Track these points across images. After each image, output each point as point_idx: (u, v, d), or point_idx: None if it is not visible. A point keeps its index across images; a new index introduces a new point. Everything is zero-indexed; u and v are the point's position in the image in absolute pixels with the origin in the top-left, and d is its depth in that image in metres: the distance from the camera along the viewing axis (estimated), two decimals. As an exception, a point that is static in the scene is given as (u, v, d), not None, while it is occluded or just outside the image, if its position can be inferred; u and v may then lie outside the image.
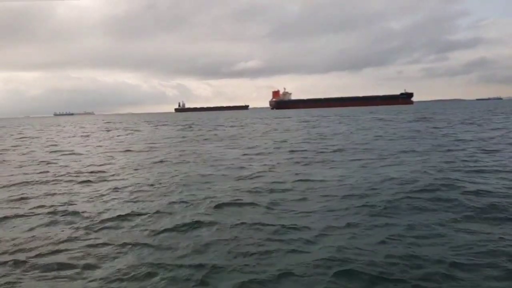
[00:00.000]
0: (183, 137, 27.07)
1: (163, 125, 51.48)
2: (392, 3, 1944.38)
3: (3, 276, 4.79)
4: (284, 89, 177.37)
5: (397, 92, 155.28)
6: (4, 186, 10.30)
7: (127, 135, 32.40)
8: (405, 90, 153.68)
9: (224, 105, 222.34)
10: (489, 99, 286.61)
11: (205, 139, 23.96)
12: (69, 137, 32.38)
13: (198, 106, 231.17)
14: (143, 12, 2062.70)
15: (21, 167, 14.05)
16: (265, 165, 12.42)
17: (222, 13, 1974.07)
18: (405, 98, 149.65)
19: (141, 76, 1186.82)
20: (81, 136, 32.92)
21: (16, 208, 7.94)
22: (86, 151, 19.35)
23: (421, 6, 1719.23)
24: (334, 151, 15.59)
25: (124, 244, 5.63)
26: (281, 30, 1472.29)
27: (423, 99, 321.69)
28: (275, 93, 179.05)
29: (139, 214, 7.09)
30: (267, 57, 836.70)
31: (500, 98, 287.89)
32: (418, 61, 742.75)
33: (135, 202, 8.09)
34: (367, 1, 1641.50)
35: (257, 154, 15.29)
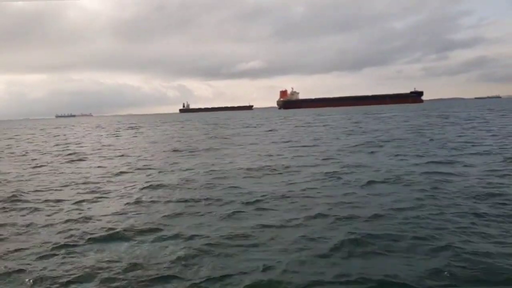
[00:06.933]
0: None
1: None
2: (396, 4, 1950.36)
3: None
4: (292, 88, 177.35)
5: (399, 91, 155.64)
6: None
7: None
8: (414, 88, 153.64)
9: (228, 105, 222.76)
10: (487, 97, 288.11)
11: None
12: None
13: (202, 106, 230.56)
14: (151, 14, 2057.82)
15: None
16: None
17: (228, 14, 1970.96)
18: (415, 96, 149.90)
19: (143, 77, 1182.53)
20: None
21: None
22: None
23: (425, 6, 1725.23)
24: None
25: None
26: (285, 31, 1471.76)
27: (423, 98, 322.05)
28: (283, 93, 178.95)
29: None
30: (269, 58, 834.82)
31: (499, 97, 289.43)
32: (418, 61, 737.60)
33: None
34: (371, 2, 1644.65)
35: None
